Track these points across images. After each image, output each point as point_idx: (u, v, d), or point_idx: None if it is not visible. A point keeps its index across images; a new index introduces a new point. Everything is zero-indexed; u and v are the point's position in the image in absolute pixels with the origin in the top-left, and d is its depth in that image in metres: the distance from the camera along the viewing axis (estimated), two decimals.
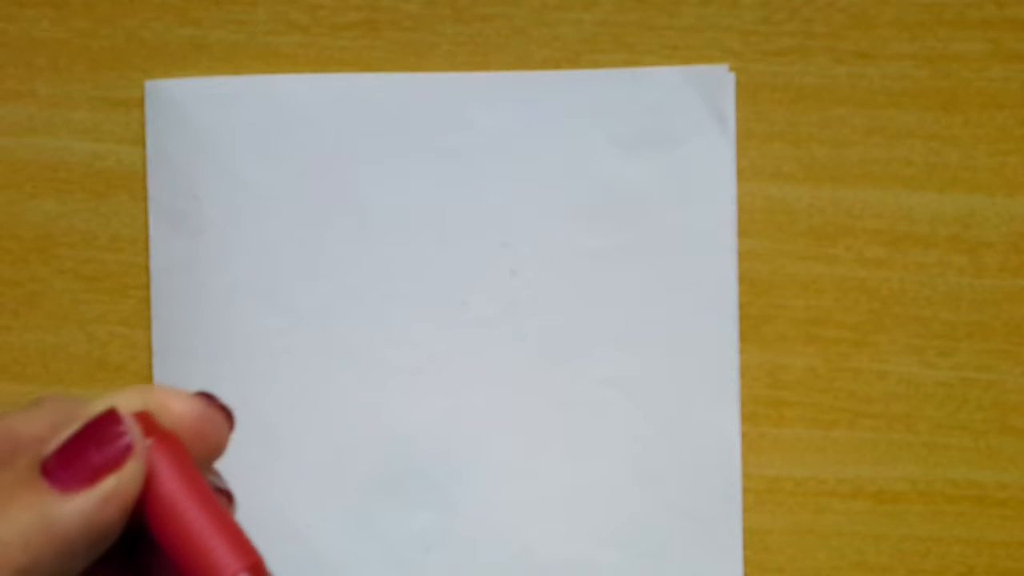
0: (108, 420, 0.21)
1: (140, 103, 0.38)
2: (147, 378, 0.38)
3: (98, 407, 0.22)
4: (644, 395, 0.37)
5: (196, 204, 0.38)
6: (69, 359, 0.39)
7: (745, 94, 0.37)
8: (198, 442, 0.23)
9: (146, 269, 0.38)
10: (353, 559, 0.37)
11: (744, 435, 0.37)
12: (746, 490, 0.37)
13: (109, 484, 0.20)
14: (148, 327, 0.38)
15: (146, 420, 0.22)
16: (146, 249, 0.38)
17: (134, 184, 0.39)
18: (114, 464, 0.21)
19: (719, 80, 0.37)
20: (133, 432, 0.21)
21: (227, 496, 0.25)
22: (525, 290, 0.37)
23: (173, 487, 0.22)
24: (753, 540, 0.37)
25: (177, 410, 0.23)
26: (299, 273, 0.38)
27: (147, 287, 0.38)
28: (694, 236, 0.37)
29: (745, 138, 0.37)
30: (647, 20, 0.37)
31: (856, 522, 0.37)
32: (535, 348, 0.37)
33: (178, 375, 0.38)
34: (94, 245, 0.39)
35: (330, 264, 0.38)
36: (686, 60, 0.37)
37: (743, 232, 0.37)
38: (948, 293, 0.37)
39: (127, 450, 0.21)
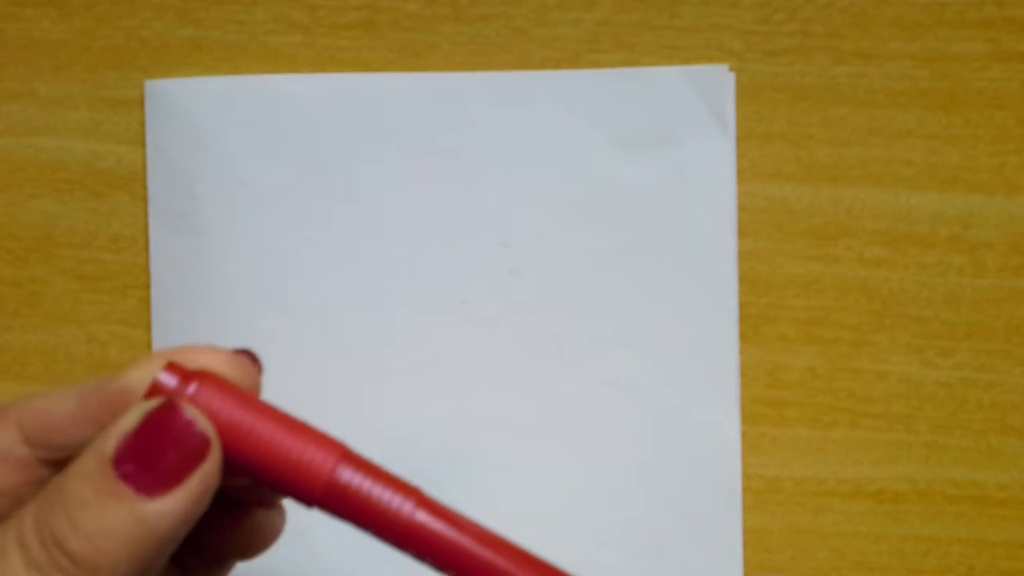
0: (170, 411, 0.21)
1: (140, 103, 0.38)
2: None
3: (131, 381, 0.21)
4: (644, 395, 0.37)
5: (196, 204, 0.38)
6: (69, 359, 0.39)
7: (745, 94, 0.37)
8: None
9: (146, 269, 0.38)
10: (353, 559, 0.37)
11: (744, 435, 0.37)
12: (746, 490, 0.37)
13: (196, 480, 0.20)
14: (148, 327, 0.38)
15: (177, 369, 0.22)
16: (146, 249, 0.38)
17: (134, 184, 0.39)
18: (196, 460, 0.21)
19: (719, 80, 0.37)
20: (201, 421, 0.21)
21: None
22: (525, 290, 0.37)
23: (239, 415, 0.21)
24: (753, 540, 0.37)
25: (203, 361, 0.22)
26: (299, 273, 0.38)
27: (147, 287, 0.38)
28: (694, 236, 0.37)
29: (745, 138, 0.37)
30: (647, 20, 0.37)
31: (856, 522, 0.37)
32: (535, 348, 0.37)
33: None
34: (94, 245, 0.39)
35: (330, 264, 0.38)
36: (686, 60, 0.37)
37: (743, 232, 0.37)
38: (948, 293, 0.37)
39: (206, 443, 0.21)
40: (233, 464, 0.22)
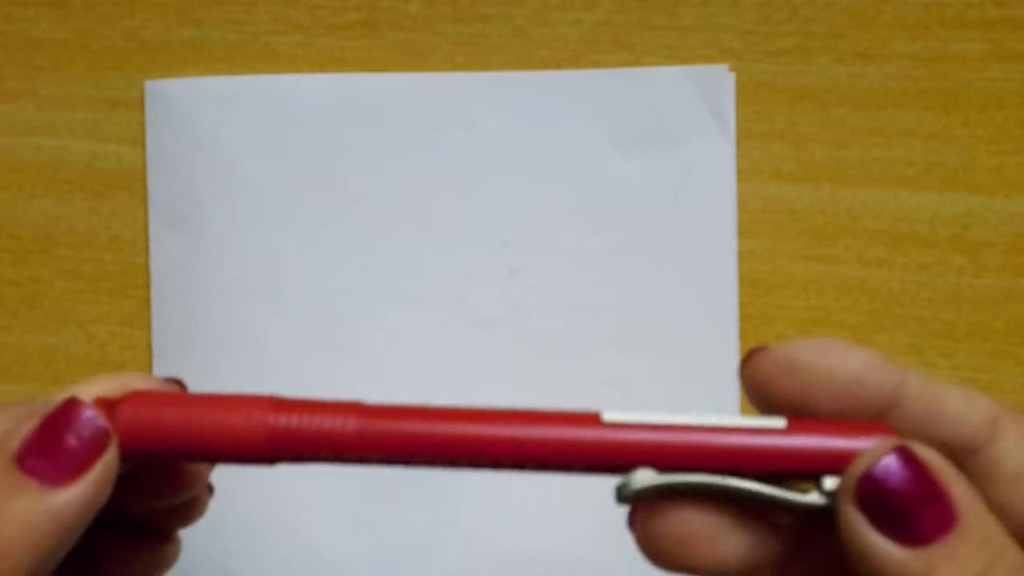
0: (73, 408, 0.22)
1: (140, 103, 0.38)
2: None
3: (57, 399, 0.22)
4: (644, 395, 0.37)
5: (196, 204, 0.38)
6: (69, 359, 0.39)
7: (745, 94, 0.37)
8: None
9: (146, 269, 0.38)
10: (353, 559, 0.37)
11: None
12: None
13: (98, 470, 0.21)
14: (148, 327, 0.38)
15: (103, 402, 0.22)
16: (146, 249, 0.38)
17: (134, 184, 0.39)
18: (97, 451, 0.21)
19: (719, 80, 0.37)
20: (99, 415, 0.22)
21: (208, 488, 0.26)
22: (525, 290, 0.37)
23: (167, 412, 0.22)
24: None
25: (133, 387, 0.23)
26: (299, 273, 0.38)
27: (147, 287, 0.38)
28: (694, 236, 0.37)
29: (745, 138, 0.37)
30: (647, 20, 0.37)
31: None
32: (535, 348, 0.37)
33: (178, 375, 0.38)
34: (94, 245, 0.39)
35: (330, 264, 0.38)
36: (686, 60, 0.37)
37: (743, 232, 0.37)
38: (948, 293, 0.37)
39: (105, 434, 0.21)
40: (180, 457, 0.23)
